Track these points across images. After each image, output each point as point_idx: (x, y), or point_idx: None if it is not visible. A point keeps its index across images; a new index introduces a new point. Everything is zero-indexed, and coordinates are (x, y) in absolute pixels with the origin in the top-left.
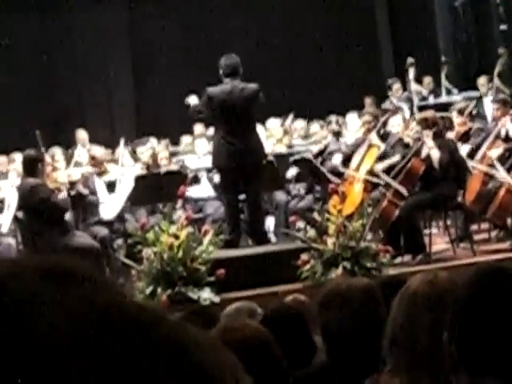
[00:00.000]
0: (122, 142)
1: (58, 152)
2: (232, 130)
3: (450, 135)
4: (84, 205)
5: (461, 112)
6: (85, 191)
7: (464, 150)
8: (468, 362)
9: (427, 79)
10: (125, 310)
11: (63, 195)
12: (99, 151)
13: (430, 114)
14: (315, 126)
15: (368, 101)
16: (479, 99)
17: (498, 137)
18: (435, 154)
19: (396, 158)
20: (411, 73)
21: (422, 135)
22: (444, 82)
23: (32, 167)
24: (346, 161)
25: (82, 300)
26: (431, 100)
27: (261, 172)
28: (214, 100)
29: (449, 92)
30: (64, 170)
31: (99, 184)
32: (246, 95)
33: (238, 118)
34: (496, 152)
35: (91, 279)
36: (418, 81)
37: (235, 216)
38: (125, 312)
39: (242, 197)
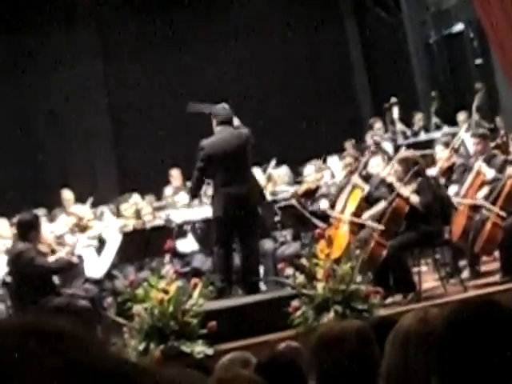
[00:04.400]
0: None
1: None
2: (229, 177)
3: (433, 171)
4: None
5: (446, 145)
6: (75, 260)
7: (452, 190)
8: None
9: (418, 115)
10: (114, 369)
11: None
12: (80, 209)
13: (409, 153)
14: (310, 168)
15: (348, 145)
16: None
17: (479, 173)
18: (415, 200)
19: (382, 205)
20: (395, 112)
21: (395, 187)
22: (433, 118)
23: (24, 232)
24: (331, 205)
25: (69, 359)
26: (412, 139)
27: (258, 219)
28: (210, 151)
29: (438, 127)
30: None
31: (83, 240)
32: (240, 141)
33: (234, 165)
34: (482, 192)
35: (80, 339)
36: (401, 120)
37: (228, 266)
38: (114, 371)
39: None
